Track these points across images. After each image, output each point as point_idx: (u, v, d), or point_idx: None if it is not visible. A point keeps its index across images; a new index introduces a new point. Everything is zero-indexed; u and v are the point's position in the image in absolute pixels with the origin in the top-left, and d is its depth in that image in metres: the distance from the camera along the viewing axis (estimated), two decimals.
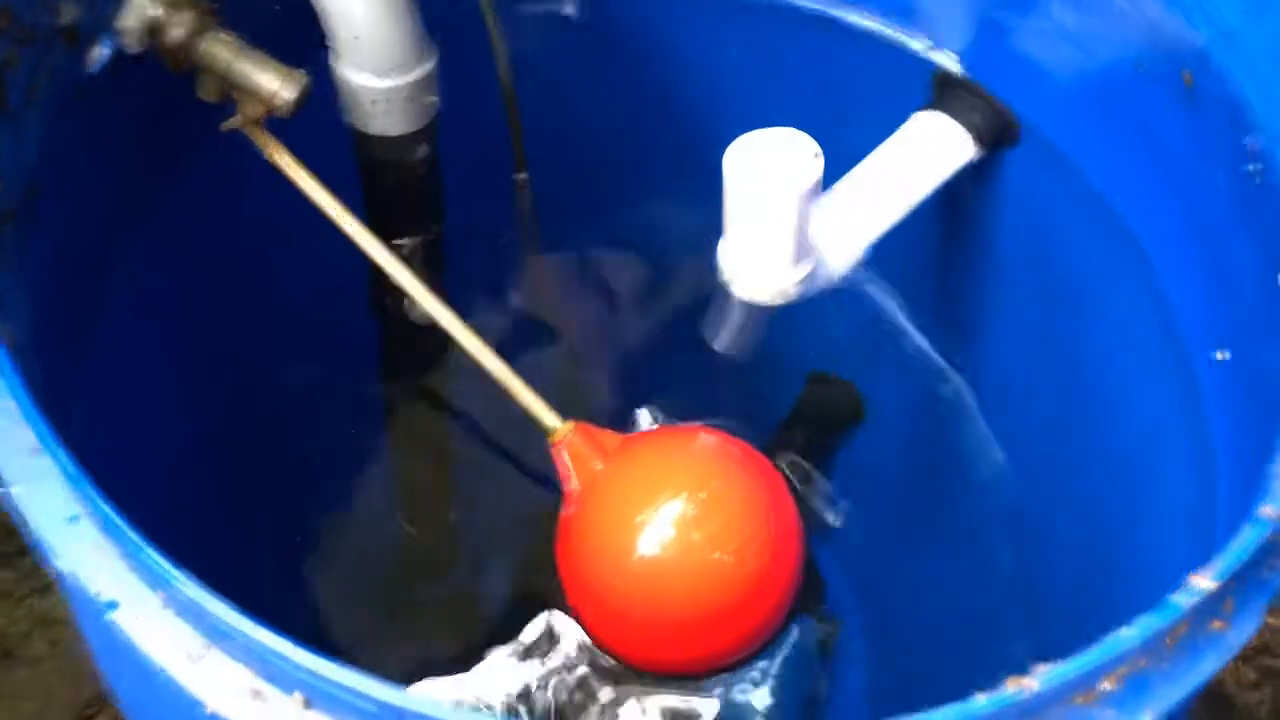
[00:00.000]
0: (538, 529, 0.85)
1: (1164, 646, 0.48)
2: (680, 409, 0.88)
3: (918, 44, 0.89)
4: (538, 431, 0.77)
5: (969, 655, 0.91)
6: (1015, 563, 0.97)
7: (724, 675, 0.77)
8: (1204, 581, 0.45)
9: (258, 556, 0.95)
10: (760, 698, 0.78)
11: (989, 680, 0.89)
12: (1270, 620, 1.28)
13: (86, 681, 1.20)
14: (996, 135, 0.87)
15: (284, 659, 0.44)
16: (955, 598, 1.01)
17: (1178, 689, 0.47)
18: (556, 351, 0.98)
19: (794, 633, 0.81)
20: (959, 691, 0.90)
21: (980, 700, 0.42)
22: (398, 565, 1.02)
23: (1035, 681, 0.42)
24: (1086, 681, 0.46)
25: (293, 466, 0.97)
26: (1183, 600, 0.44)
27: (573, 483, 0.75)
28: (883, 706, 0.94)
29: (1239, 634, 0.48)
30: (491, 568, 0.97)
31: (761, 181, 0.71)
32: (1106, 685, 0.47)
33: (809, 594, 0.85)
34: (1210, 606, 0.48)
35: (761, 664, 0.79)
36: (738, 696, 0.78)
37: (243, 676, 0.48)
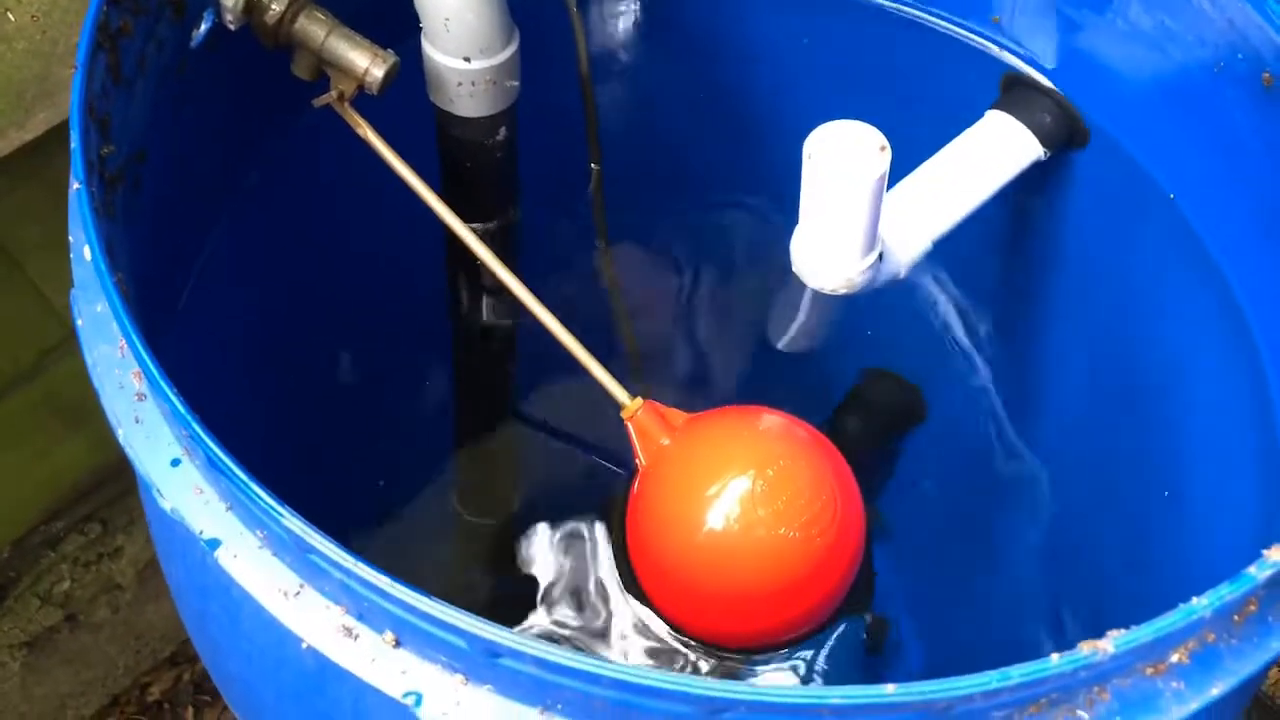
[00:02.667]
0: (599, 505, 0.87)
1: (1233, 622, 0.49)
2: (741, 395, 0.89)
3: (988, 43, 0.90)
4: (600, 412, 0.79)
5: (1019, 650, 0.92)
6: (1068, 570, 0.97)
7: (768, 661, 0.78)
8: (1278, 554, 0.46)
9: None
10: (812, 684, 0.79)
11: None
12: None
13: (145, 650, 1.23)
14: (1064, 137, 0.88)
15: (379, 591, 0.46)
16: (1006, 600, 1.01)
17: (1246, 664, 0.48)
18: (624, 336, 0.99)
19: (840, 628, 0.82)
20: None
21: (1055, 660, 0.43)
22: (458, 545, 1.04)
23: (1110, 644, 0.43)
24: (1157, 651, 0.47)
25: (360, 442, 0.99)
26: (1257, 572, 0.45)
27: (640, 458, 0.76)
28: None
29: None
30: (552, 543, 0.98)
31: (830, 173, 0.72)
32: (1176, 657, 0.48)
33: (859, 589, 0.86)
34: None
35: (805, 655, 0.80)
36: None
37: (335, 614, 0.50)
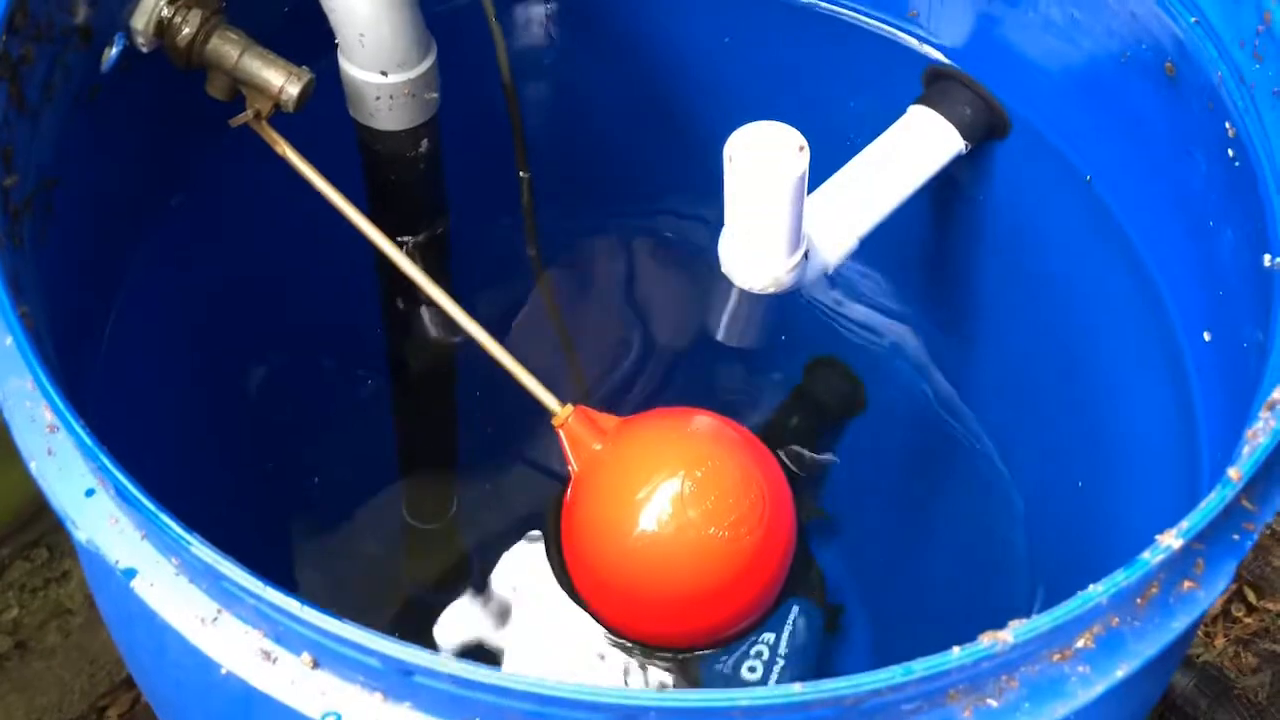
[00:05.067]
0: (539, 513, 0.87)
1: (1135, 605, 0.50)
2: (679, 398, 0.89)
3: (909, 38, 0.91)
4: (545, 420, 0.79)
5: (966, 631, 0.93)
6: (1012, 545, 0.98)
7: (731, 653, 0.79)
8: (1170, 539, 0.47)
9: (257, 550, 0.96)
10: (769, 678, 0.80)
11: None
12: (1270, 605, 1.30)
13: (100, 673, 1.22)
14: (986, 129, 0.89)
15: (293, 618, 0.46)
16: (953, 582, 1.02)
17: (1149, 645, 0.49)
18: (557, 342, 1.00)
19: (796, 612, 0.83)
20: None
21: (955, 652, 0.44)
22: (401, 559, 1.04)
23: (1009, 634, 0.44)
24: (1062, 638, 0.48)
25: (298, 459, 0.99)
26: (1151, 557, 0.46)
27: (573, 464, 0.77)
28: None
29: (1209, 594, 0.50)
30: (493, 552, 0.99)
31: (751, 174, 0.73)
32: (1081, 642, 0.49)
33: (808, 577, 0.87)
34: (1180, 566, 0.50)
35: (768, 641, 0.81)
36: (745, 674, 0.80)
37: (253, 638, 0.50)
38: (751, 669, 0.81)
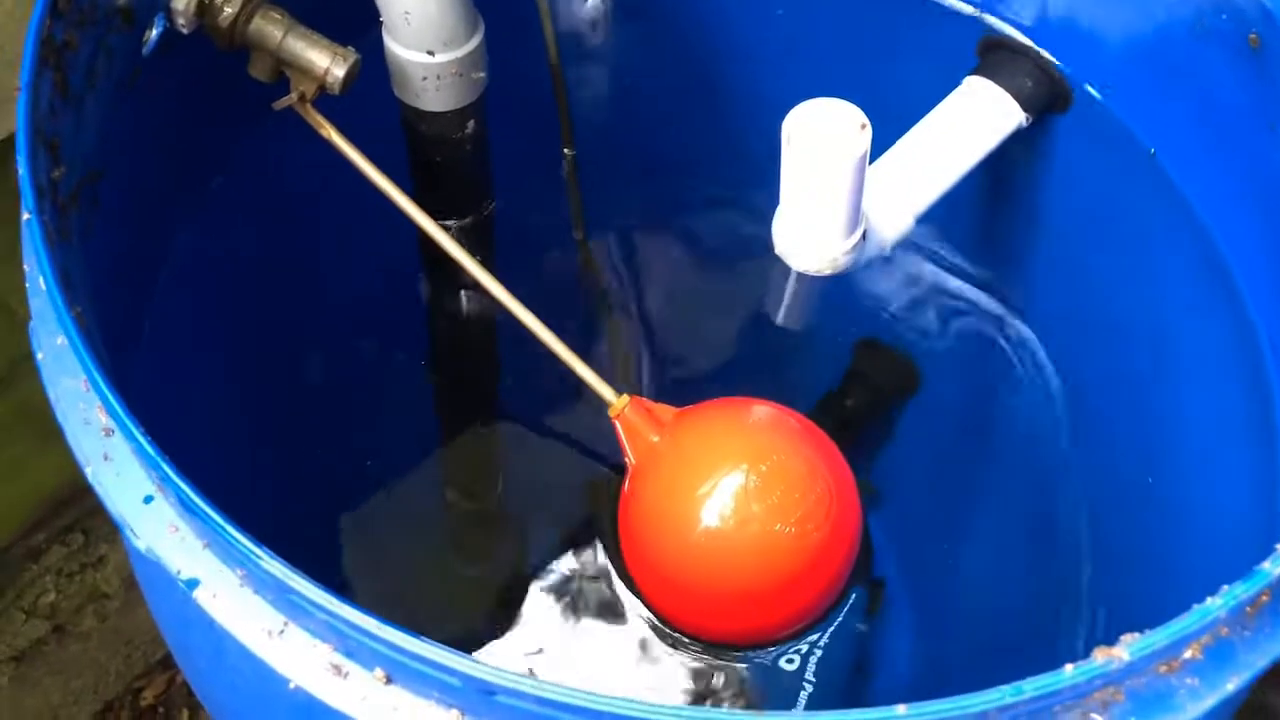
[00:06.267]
0: (587, 502, 0.85)
1: (1245, 615, 0.48)
2: (728, 384, 0.87)
3: (966, 5, 0.88)
4: (589, 406, 0.77)
5: (1013, 617, 0.92)
6: (1064, 528, 0.96)
7: (769, 655, 0.78)
8: None
9: (302, 533, 0.95)
10: (806, 667, 0.79)
11: (1040, 645, 0.89)
12: None
13: (136, 655, 1.21)
14: (1046, 102, 0.86)
15: (366, 633, 0.44)
16: (1000, 563, 1.00)
17: (1260, 656, 0.47)
18: (607, 327, 0.98)
19: (845, 605, 0.81)
20: (1001, 654, 0.89)
21: (1068, 670, 0.42)
22: (444, 541, 1.03)
23: (1125, 652, 0.42)
24: (1171, 650, 0.46)
25: (341, 445, 0.98)
26: (1271, 568, 0.44)
27: (630, 457, 0.75)
28: (925, 672, 0.94)
29: None
30: (540, 541, 0.97)
31: (811, 153, 0.71)
32: (1189, 653, 0.47)
33: (860, 563, 0.84)
34: None
35: (811, 636, 0.79)
36: (785, 666, 0.79)
37: (322, 652, 0.48)
38: (789, 660, 0.79)
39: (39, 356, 0.56)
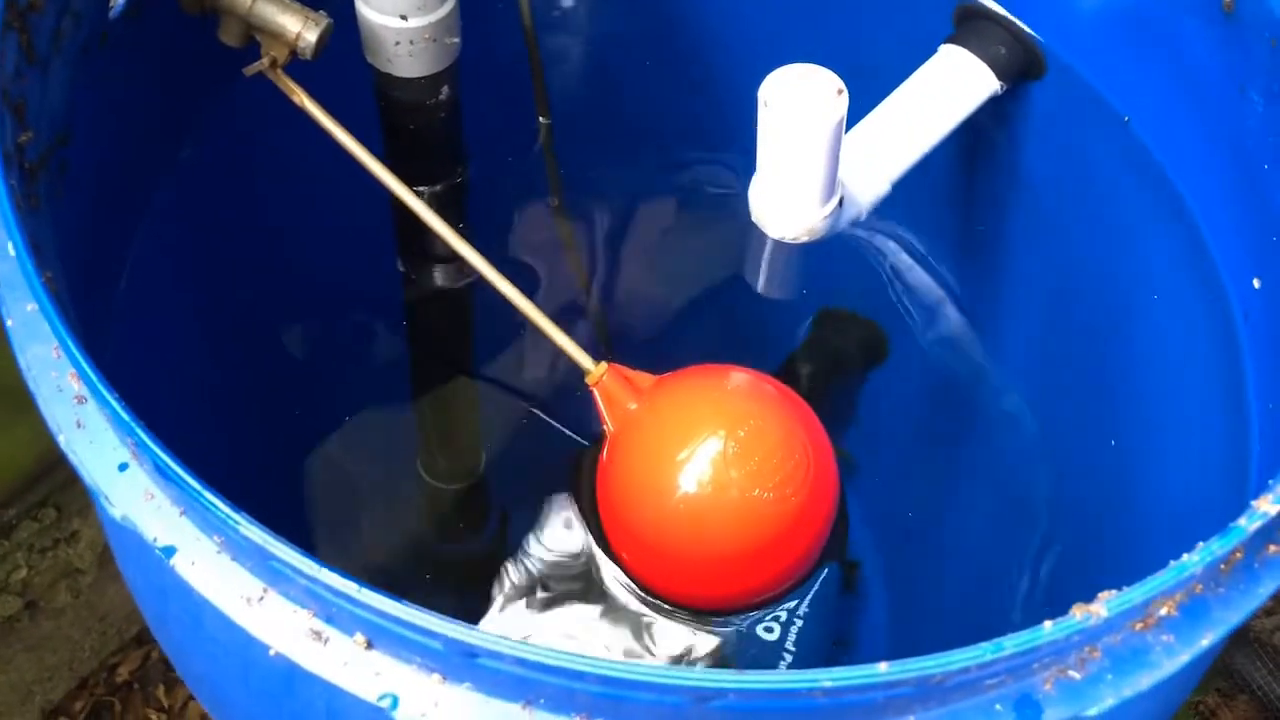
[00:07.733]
0: (566, 470, 0.85)
1: (1219, 572, 0.48)
2: (706, 351, 0.87)
3: None
4: (566, 374, 0.77)
5: (983, 585, 0.92)
6: (1034, 498, 0.97)
7: (751, 614, 0.78)
8: (1267, 505, 0.45)
9: (279, 500, 0.95)
10: (786, 637, 0.79)
11: (1003, 613, 0.90)
12: None
13: (110, 631, 1.20)
14: (1021, 68, 0.86)
15: (347, 598, 0.44)
16: (971, 534, 1.01)
17: (1234, 612, 0.48)
18: (583, 294, 0.97)
19: (821, 574, 0.81)
20: (974, 623, 0.90)
21: (1047, 627, 0.42)
22: (422, 519, 1.02)
23: (1102, 608, 0.43)
24: (1148, 607, 0.46)
25: (315, 416, 0.97)
26: (1247, 524, 0.44)
27: (608, 424, 0.75)
28: (903, 640, 0.95)
29: None
30: (519, 519, 0.97)
31: (788, 119, 0.70)
32: (1164, 610, 0.47)
33: (836, 536, 0.85)
34: (1267, 530, 0.48)
35: (789, 604, 0.79)
36: (764, 635, 0.79)
37: (302, 618, 0.48)
38: (768, 629, 0.79)
39: (8, 324, 0.55)
